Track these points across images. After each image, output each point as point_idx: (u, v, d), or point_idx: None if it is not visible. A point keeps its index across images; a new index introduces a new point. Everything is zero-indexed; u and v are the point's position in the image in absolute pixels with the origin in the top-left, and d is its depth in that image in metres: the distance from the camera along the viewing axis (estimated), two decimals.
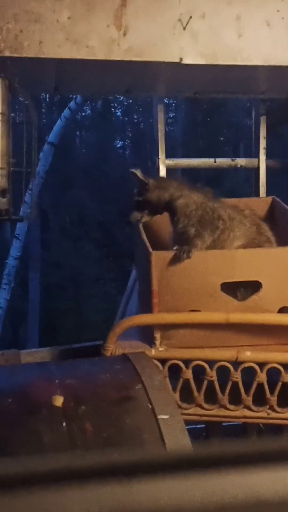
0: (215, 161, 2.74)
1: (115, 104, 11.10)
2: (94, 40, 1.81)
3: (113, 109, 11.39)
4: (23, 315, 8.44)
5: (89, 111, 11.04)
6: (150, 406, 1.35)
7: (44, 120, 9.15)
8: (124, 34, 1.82)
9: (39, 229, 8.56)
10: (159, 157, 2.59)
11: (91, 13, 1.78)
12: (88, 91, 2.84)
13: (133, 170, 1.93)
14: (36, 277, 8.38)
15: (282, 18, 1.91)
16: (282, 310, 1.78)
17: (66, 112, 6.57)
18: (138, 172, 1.92)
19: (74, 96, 5.96)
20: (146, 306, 1.85)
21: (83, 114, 10.81)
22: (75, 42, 1.79)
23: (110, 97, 9.18)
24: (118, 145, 11.73)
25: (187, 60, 1.86)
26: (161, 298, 1.77)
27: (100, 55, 1.81)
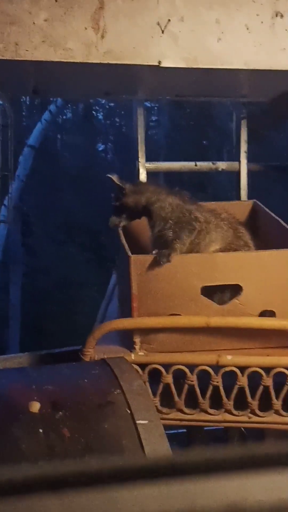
0: (196, 165, 2.73)
1: (97, 107, 11.07)
2: (72, 43, 1.80)
3: (94, 112, 11.36)
4: (4, 320, 8.37)
5: (70, 114, 10.99)
6: (129, 411, 1.33)
7: (25, 123, 9.09)
8: (102, 36, 1.81)
9: (20, 233, 8.49)
10: (139, 160, 2.59)
11: (69, 15, 1.77)
12: (67, 93, 2.83)
13: (109, 175, 1.92)
14: (17, 281, 8.30)
15: (262, 22, 1.92)
16: (263, 314, 1.77)
17: (46, 115, 6.55)
18: (115, 177, 1.92)
19: (54, 99, 5.94)
20: (126, 310, 1.83)
21: (64, 117, 10.76)
22: (52, 45, 1.78)
23: (91, 100, 9.15)
24: (100, 148, 11.69)
25: (166, 64, 1.86)
26: (141, 302, 1.76)
27: (78, 58, 1.80)
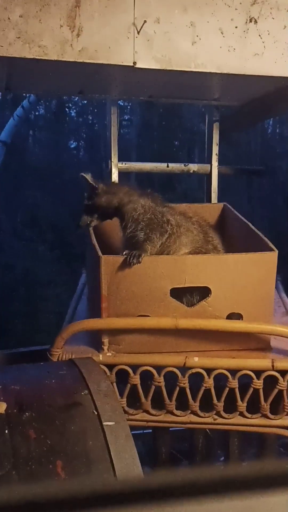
0: (167, 166, 2.74)
1: (70, 105, 11.00)
2: (47, 40, 1.78)
3: (67, 110, 11.28)
4: None
5: (43, 111, 10.90)
6: (96, 413, 1.33)
7: None
8: (78, 35, 1.80)
9: None
10: (112, 160, 2.58)
11: (44, 12, 1.75)
12: (40, 90, 2.81)
13: (83, 174, 1.92)
14: None
15: (236, 27, 1.93)
16: (230, 316, 1.79)
17: (19, 110, 6.48)
18: (88, 176, 1.91)
19: (27, 95, 5.88)
20: (95, 311, 1.83)
21: (36, 113, 10.67)
22: (27, 41, 1.76)
23: (64, 97, 9.09)
24: (72, 146, 11.62)
25: (140, 64, 1.85)
26: (110, 302, 1.76)
27: (53, 56, 1.79)
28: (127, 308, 1.76)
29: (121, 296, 1.76)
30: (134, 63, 1.85)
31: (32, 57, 1.78)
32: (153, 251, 1.82)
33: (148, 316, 1.76)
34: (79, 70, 1.93)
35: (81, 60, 1.81)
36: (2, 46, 1.76)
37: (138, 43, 1.84)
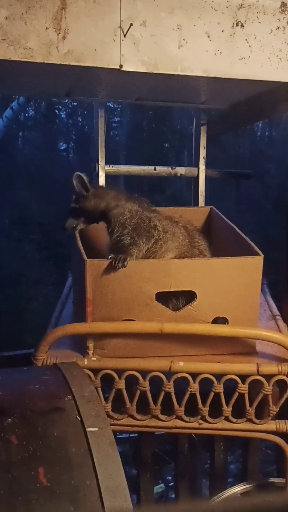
0: (155, 169, 2.74)
1: (59, 106, 11.00)
2: (32, 42, 1.76)
3: (57, 111, 11.28)
4: None
5: (33, 112, 10.89)
6: (79, 418, 1.32)
7: None
8: (64, 37, 1.79)
9: None
10: (99, 163, 2.58)
11: (30, 14, 1.74)
12: (27, 92, 2.79)
13: (80, 173, 1.91)
14: None
15: (223, 30, 1.92)
16: (215, 321, 1.79)
17: (8, 112, 6.45)
18: (85, 177, 1.91)
19: (16, 96, 5.85)
20: (80, 315, 1.82)
21: (26, 115, 10.65)
22: (12, 43, 1.75)
23: (54, 99, 9.08)
24: (62, 147, 11.62)
25: (127, 67, 1.84)
26: (95, 307, 1.75)
27: (38, 58, 1.77)
28: (112, 312, 1.75)
29: (106, 300, 1.75)
30: (121, 66, 1.84)
31: (17, 59, 1.76)
32: (138, 256, 1.81)
33: (133, 320, 1.75)
34: (66, 72, 1.92)
35: (67, 63, 1.80)
36: None
37: (124, 46, 1.84)
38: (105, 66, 1.84)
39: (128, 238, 1.83)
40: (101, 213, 1.91)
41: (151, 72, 1.88)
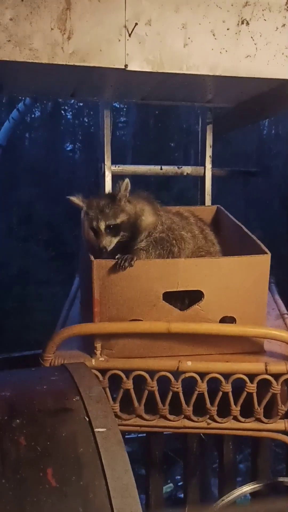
0: (161, 169, 2.74)
1: (66, 107, 11.00)
2: (38, 43, 1.77)
3: (63, 112, 11.29)
4: None
5: (39, 113, 10.90)
6: (87, 419, 1.32)
7: None
8: (69, 38, 1.79)
9: None
10: (105, 163, 2.58)
11: (35, 15, 1.74)
12: (33, 93, 2.80)
13: (73, 197, 1.84)
14: None
15: (228, 29, 1.92)
16: (223, 320, 1.78)
17: (14, 113, 6.48)
18: (78, 199, 1.84)
19: (22, 97, 5.88)
20: (87, 315, 1.82)
21: (32, 116, 10.67)
22: (18, 44, 1.75)
23: (60, 100, 9.09)
24: (68, 148, 11.62)
25: (132, 67, 1.84)
26: (103, 307, 1.75)
27: (43, 59, 1.77)
28: (119, 313, 1.75)
29: (114, 300, 1.74)
30: (126, 65, 1.83)
31: (22, 60, 1.77)
32: (144, 256, 1.81)
33: (141, 320, 1.75)
34: (71, 73, 1.92)
35: (72, 63, 1.80)
36: None
37: (129, 45, 1.83)
38: (110, 66, 1.84)
39: (143, 244, 1.80)
40: (132, 223, 1.82)
41: (156, 71, 1.88)
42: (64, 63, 1.79)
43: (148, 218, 1.84)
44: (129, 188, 1.79)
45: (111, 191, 1.80)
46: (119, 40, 1.83)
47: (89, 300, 1.78)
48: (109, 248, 1.76)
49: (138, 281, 1.73)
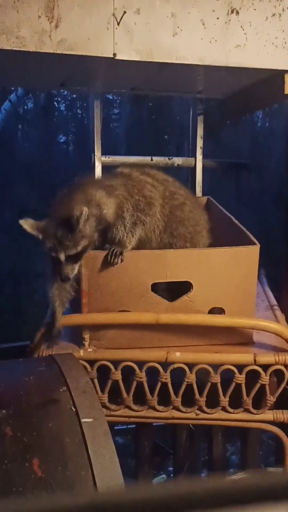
0: (151, 159, 2.72)
1: (59, 99, 10.97)
2: (25, 31, 1.74)
3: (56, 103, 11.26)
4: None
5: (31, 105, 10.87)
6: (74, 409, 1.31)
7: None
8: (56, 26, 1.77)
9: None
10: (95, 154, 2.56)
11: (22, 2, 1.72)
12: (22, 83, 2.77)
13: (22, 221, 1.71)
14: None
15: (218, 18, 1.90)
16: (212, 311, 1.78)
17: (6, 104, 6.41)
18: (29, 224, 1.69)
19: (15, 89, 5.82)
20: (76, 306, 1.81)
21: (25, 107, 10.64)
22: (5, 32, 1.72)
23: (53, 91, 9.03)
24: (62, 140, 11.60)
25: (121, 56, 1.82)
26: (91, 298, 1.74)
27: (31, 47, 1.75)
28: (108, 303, 1.74)
29: (102, 291, 1.74)
30: (114, 54, 1.82)
31: (10, 48, 1.74)
32: (132, 242, 1.78)
33: (129, 311, 1.74)
34: (59, 62, 1.90)
35: (60, 52, 1.78)
36: None
37: (118, 34, 1.82)
38: (99, 55, 1.82)
39: (122, 228, 1.78)
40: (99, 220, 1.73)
41: (145, 61, 1.86)
42: (51, 51, 1.77)
43: (109, 209, 1.75)
44: (87, 217, 1.63)
45: (66, 214, 1.63)
46: (108, 29, 1.81)
47: (77, 291, 1.77)
48: (71, 276, 1.66)
49: (126, 272, 1.72)
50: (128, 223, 1.77)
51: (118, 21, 1.80)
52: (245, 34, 1.92)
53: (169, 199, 1.87)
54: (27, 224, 1.67)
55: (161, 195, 1.85)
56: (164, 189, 1.87)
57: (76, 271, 1.67)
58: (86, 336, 1.76)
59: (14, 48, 1.75)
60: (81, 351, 1.73)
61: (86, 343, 1.76)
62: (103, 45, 1.81)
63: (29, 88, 3.24)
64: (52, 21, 1.77)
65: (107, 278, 1.72)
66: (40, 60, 1.87)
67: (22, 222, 1.67)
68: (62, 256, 1.63)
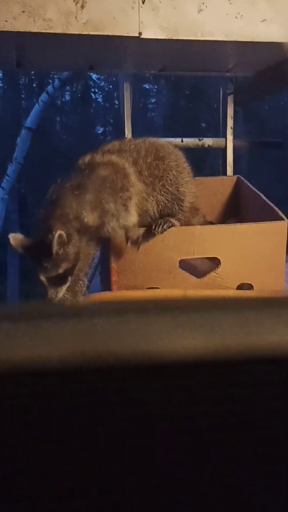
0: (182, 141, 2.72)
1: (96, 90, 11.01)
2: (51, 13, 1.77)
3: (93, 94, 11.29)
4: (1, 301, 8.38)
5: (69, 96, 10.93)
6: None
7: (23, 105, 9.04)
8: (82, 7, 1.79)
9: (17, 215, 8.49)
10: (126, 136, 2.57)
11: None
12: (50, 66, 2.81)
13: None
14: (14, 262, 8.30)
15: None
16: (241, 287, 1.77)
17: (43, 96, 6.49)
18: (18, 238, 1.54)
19: (51, 80, 5.89)
20: (106, 284, 1.83)
21: (63, 99, 10.71)
22: (32, 15, 1.76)
23: (90, 82, 9.07)
24: (99, 131, 11.63)
25: (146, 35, 1.83)
26: (120, 276, 1.76)
27: (58, 29, 1.78)
28: (136, 281, 1.76)
29: (131, 269, 1.75)
30: (140, 33, 1.83)
31: (37, 30, 1.78)
32: (133, 219, 1.69)
33: (158, 288, 1.75)
34: (85, 43, 1.92)
35: (86, 32, 1.80)
36: (7, 21, 1.76)
37: (143, 12, 1.82)
38: (124, 34, 1.83)
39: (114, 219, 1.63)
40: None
41: (171, 39, 1.87)
42: (78, 32, 1.79)
43: (88, 214, 1.57)
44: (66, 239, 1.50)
45: (44, 236, 1.48)
46: (133, 8, 1.82)
47: (106, 269, 1.80)
48: (57, 299, 1.53)
49: (154, 249, 1.73)
50: (115, 210, 1.63)
51: None
52: (271, 7, 1.90)
53: (142, 160, 1.73)
54: (14, 239, 1.54)
55: (132, 163, 1.71)
56: (133, 154, 1.73)
57: (63, 292, 1.54)
58: None
59: (41, 31, 1.78)
60: None
61: None
62: (129, 24, 1.83)
63: (59, 71, 3.25)
64: (78, 2, 1.79)
65: (135, 256, 1.74)
66: (66, 41, 1.90)
67: (10, 236, 1.55)
68: (42, 278, 1.51)
